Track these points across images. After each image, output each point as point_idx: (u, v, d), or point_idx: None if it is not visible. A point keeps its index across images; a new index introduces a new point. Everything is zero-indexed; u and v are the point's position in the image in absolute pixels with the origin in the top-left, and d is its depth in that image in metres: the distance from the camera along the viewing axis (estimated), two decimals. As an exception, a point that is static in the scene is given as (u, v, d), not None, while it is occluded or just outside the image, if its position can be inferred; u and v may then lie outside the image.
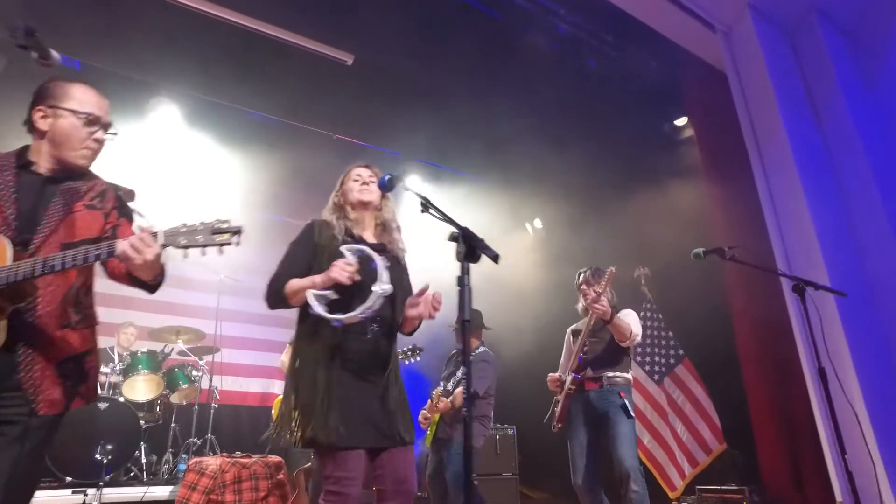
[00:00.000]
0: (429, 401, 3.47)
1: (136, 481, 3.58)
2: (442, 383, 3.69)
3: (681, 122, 5.78)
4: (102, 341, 5.04)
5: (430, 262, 6.74)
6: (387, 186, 1.89)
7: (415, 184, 6.79)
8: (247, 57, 5.41)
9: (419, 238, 6.92)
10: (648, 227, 5.32)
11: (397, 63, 5.57)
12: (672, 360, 4.91)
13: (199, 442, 4.08)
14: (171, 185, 5.67)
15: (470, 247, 1.53)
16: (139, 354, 4.05)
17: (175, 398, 4.29)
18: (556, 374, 3.29)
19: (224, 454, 3.44)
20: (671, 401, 4.80)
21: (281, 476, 3.50)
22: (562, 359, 3.45)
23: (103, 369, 3.88)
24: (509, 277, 6.10)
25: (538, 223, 7.40)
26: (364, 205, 2.10)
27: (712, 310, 4.83)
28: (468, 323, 1.50)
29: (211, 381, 4.56)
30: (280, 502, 3.44)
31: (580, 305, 3.31)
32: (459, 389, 3.49)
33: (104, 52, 5.09)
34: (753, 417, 4.53)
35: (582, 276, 3.32)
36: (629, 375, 3.18)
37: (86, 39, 4.91)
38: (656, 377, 4.86)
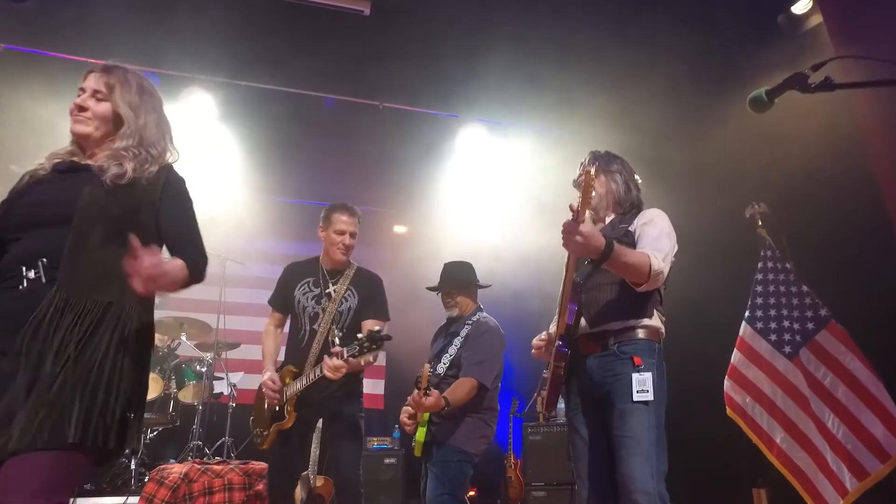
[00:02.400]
0: (415, 390, 2.60)
1: (123, 489, 3.22)
2: (430, 366, 2.78)
3: (800, 7, 4.24)
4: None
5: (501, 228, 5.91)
6: None
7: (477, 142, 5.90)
8: (271, 33, 5.02)
9: (489, 205, 6.08)
10: (761, 150, 3.91)
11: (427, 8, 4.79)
12: (810, 325, 3.47)
13: (200, 444, 3.64)
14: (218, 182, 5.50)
15: None
16: (136, 350, 3.73)
17: (182, 396, 3.93)
18: (543, 336, 2.12)
19: (195, 460, 2.92)
20: (814, 382, 3.37)
21: (261, 487, 2.89)
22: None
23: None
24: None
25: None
26: (78, 137, 1.53)
27: (867, 248, 3.34)
28: None
29: (227, 378, 4.15)
30: (259, 518, 2.83)
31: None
32: (463, 378, 2.58)
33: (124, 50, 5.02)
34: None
35: (581, 167, 2.19)
36: (655, 323, 1.94)
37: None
38: (787, 349, 3.46)
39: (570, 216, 1.73)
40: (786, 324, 3.52)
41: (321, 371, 2.38)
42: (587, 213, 1.74)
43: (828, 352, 3.37)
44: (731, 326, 3.66)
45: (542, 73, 5.06)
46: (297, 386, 2.54)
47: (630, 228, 2.00)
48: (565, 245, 1.74)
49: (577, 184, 2.17)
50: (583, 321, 1.96)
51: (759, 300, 3.63)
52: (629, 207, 2.12)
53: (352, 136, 5.88)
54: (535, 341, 2.12)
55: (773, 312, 3.57)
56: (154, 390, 3.70)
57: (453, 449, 2.52)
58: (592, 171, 1.71)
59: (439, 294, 2.91)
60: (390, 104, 5.68)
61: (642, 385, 1.79)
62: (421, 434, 2.63)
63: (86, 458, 1.22)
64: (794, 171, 3.69)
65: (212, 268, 5.40)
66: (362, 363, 2.34)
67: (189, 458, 3.31)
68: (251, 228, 5.93)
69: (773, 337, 3.51)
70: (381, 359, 6.71)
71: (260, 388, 2.69)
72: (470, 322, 2.76)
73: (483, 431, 2.62)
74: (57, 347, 1.20)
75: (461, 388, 2.56)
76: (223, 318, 4.50)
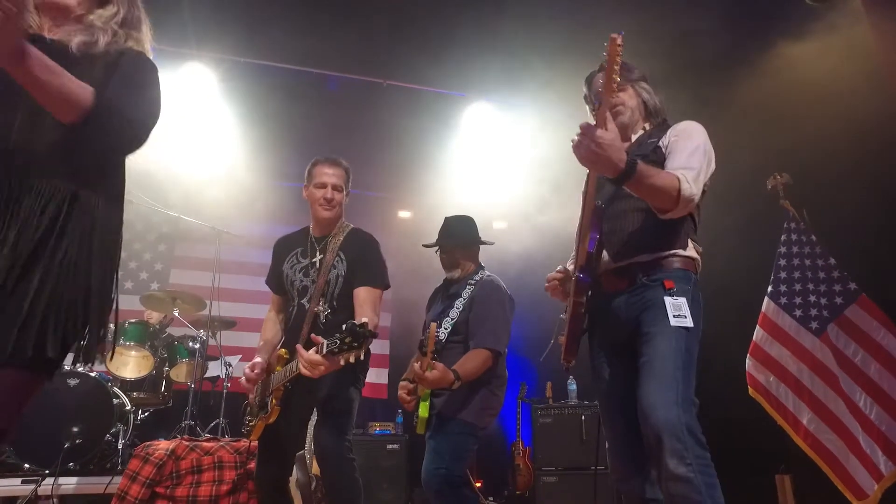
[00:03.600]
0: (414, 360, 2.38)
1: (111, 470, 3.04)
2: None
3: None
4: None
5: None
6: None
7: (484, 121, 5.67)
8: (273, 7, 4.85)
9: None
10: (781, 115, 3.70)
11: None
12: (839, 299, 3.26)
13: (192, 424, 3.46)
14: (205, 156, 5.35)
15: None
16: (126, 325, 3.57)
17: (174, 375, 3.76)
18: (560, 269, 1.85)
19: (184, 437, 2.75)
20: (843, 359, 3.16)
21: (253, 465, 2.70)
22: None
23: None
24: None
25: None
26: (50, 6, 1.30)
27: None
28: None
29: (222, 358, 3.98)
30: (251, 497, 2.65)
31: None
32: (476, 350, 2.35)
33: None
34: None
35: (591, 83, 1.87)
36: (690, 253, 1.68)
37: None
38: (814, 325, 3.25)
39: None
40: (812, 298, 3.31)
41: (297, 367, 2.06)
42: (610, 119, 1.43)
43: (858, 327, 3.16)
44: (752, 302, 3.46)
45: (554, 49, 4.86)
46: (281, 377, 2.25)
47: (660, 143, 1.71)
48: (576, 150, 1.45)
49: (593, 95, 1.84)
50: (605, 255, 1.69)
51: (783, 274, 3.43)
52: (661, 121, 1.82)
53: (354, 116, 5.70)
54: (549, 276, 1.84)
55: (798, 287, 3.37)
56: (145, 368, 3.52)
57: (458, 420, 2.30)
58: (619, 38, 1.40)
59: (437, 251, 2.69)
60: (394, 82, 5.50)
61: (678, 310, 1.50)
62: (424, 409, 2.36)
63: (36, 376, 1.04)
64: (815, 138, 3.49)
65: (206, 252, 5.22)
66: (341, 362, 1.94)
67: (178, 436, 3.13)
68: (249, 211, 5.78)
69: (799, 312, 3.31)
70: (385, 347, 6.53)
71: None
72: (473, 282, 2.53)
73: (491, 403, 2.39)
74: (15, 240, 1.02)
75: (474, 361, 2.32)
76: (218, 304, 4.32)
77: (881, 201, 3.25)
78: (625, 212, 1.68)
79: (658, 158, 1.68)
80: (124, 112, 1.16)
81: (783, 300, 3.36)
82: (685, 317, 1.51)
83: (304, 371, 1.98)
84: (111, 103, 1.13)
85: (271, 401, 2.25)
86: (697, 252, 1.71)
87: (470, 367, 2.30)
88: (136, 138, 1.20)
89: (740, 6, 3.93)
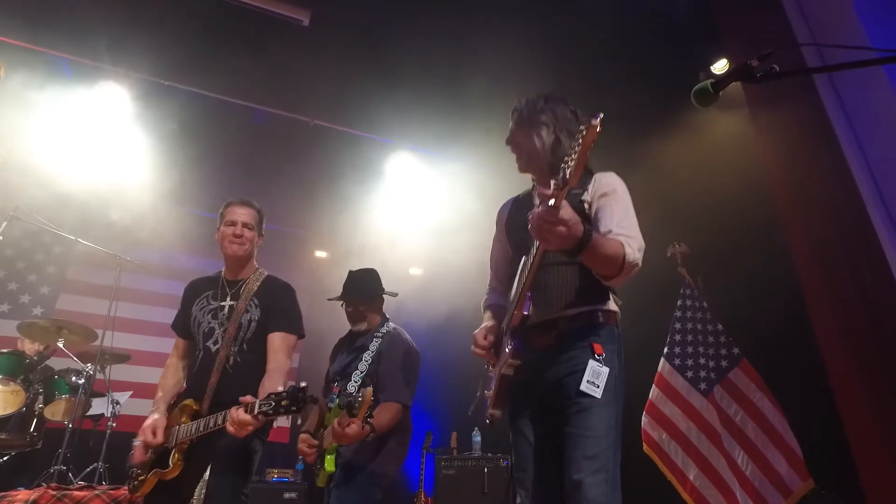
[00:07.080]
0: (316, 413, 2.31)
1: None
2: (336, 385, 2.50)
3: (719, 66, 4.51)
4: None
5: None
6: None
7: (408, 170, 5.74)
8: (204, 33, 4.73)
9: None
10: (681, 194, 4.06)
11: (363, 21, 4.70)
12: (724, 363, 3.54)
13: (63, 469, 3.09)
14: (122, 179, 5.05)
15: None
16: (-7, 355, 3.20)
17: (50, 413, 3.39)
18: (490, 337, 1.74)
19: (52, 485, 2.47)
20: (726, 419, 3.41)
21: (131, 516, 2.47)
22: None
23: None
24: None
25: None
26: None
27: (777, 290, 3.47)
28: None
29: (109, 394, 3.65)
30: (125, 555, 2.41)
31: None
32: (389, 403, 2.33)
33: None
34: (854, 442, 3.07)
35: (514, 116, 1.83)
36: (611, 306, 1.67)
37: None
38: (702, 386, 3.50)
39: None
40: (702, 361, 3.57)
41: (222, 420, 1.91)
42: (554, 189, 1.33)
43: (739, 389, 3.44)
44: (651, 361, 3.67)
45: (476, 104, 5.06)
46: (191, 430, 2.07)
47: (584, 198, 1.66)
48: (540, 238, 1.39)
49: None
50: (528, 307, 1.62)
51: (678, 337, 3.68)
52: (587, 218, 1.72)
53: (277, 152, 5.62)
54: (480, 339, 1.74)
55: (690, 349, 3.62)
56: (12, 405, 3.12)
57: (365, 471, 2.25)
58: (598, 123, 1.25)
59: (343, 305, 2.68)
60: (321, 122, 5.48)
61: (595, 377, 1.52)
62: (330, 463, 2.29)
63: None
64: (710, 215, 3.86)
65: (103, 278, 4.85)
66: (275, 424, 1.89)
67: (43, 483, 2.75)
68: (155, 238, 5.45)
69: (690, 374, 3.55)
70: (290, 389, 6.27)
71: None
72: (379, 335, 2.53)
73: (397, 453, 2.37)
74: None
75: (387, 414, 2.30)
76: (112, 334, 3.98)
77: (765, 273, 3.60)
78: (549, 266, 1.64)
79: (583, 214, 1.63)
80: None
81: (677, 361, 3.60)
82: (598, 387, 1.53)
83: (230, 429, 1.85)
84: None
85: (173, 455, 2.07)
86: (617, 305, 1.71)
87: (383, 420, 2.29)
88: None
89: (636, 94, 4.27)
